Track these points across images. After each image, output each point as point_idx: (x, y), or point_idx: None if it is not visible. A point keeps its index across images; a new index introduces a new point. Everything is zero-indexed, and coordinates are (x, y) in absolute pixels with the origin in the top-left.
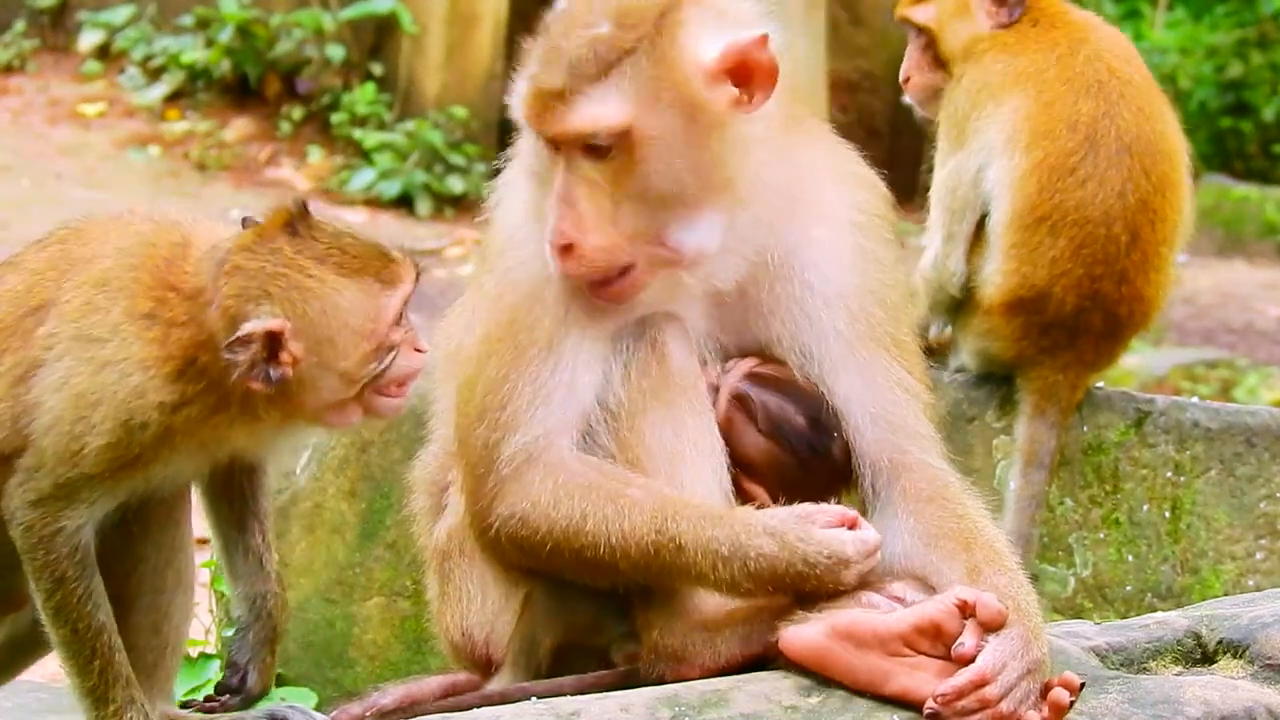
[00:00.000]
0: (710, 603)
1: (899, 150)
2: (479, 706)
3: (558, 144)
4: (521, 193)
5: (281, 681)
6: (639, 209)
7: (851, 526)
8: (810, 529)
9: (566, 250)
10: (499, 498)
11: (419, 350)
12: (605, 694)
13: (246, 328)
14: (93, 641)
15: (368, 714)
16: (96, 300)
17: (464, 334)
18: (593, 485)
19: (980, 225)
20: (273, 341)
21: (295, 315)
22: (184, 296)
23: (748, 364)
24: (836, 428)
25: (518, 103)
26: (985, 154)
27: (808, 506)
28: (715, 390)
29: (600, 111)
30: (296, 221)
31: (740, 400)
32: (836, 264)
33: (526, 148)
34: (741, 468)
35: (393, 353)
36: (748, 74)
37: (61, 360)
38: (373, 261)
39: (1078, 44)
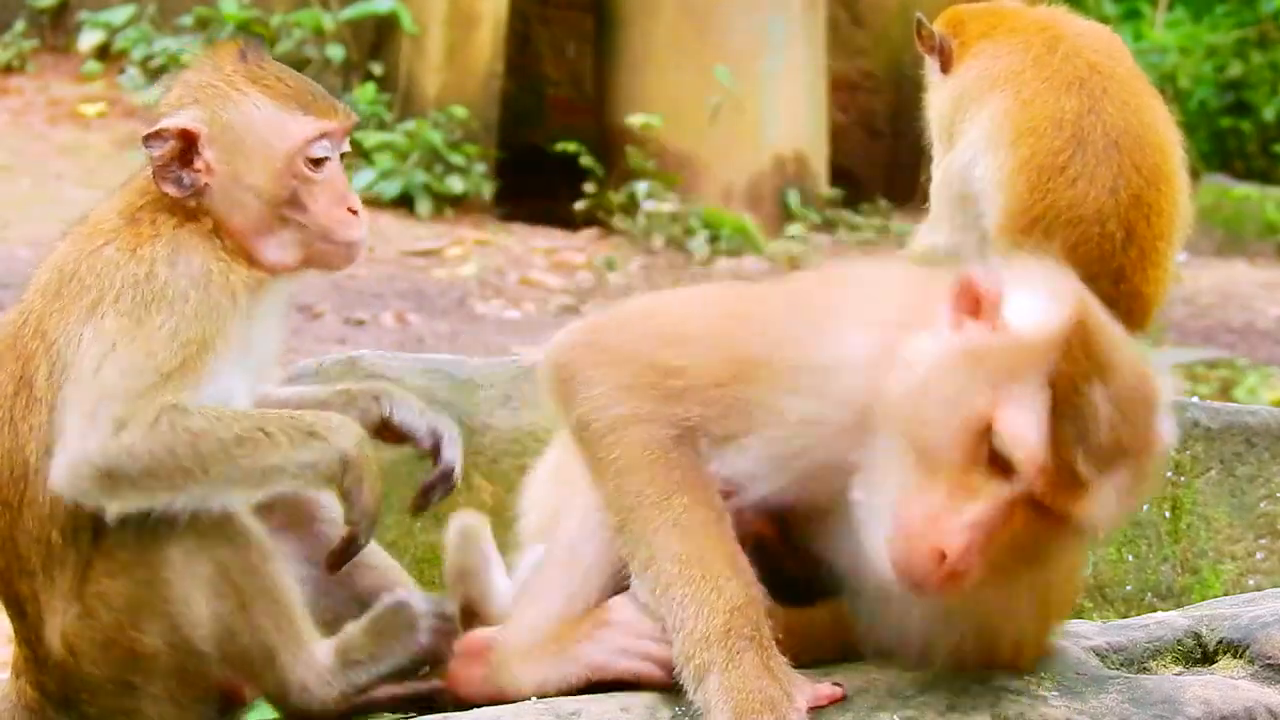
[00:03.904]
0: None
1: (899, 150)
2: (479, 706)
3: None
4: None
5: None
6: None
7: None
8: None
9: (937, 560)
10: None
11: (353, 211)
12: (605, 694)
13: (163, 123)
14: None
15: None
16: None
17: None
18: None
19: None
20: (188, 143)
21: (213, 122)
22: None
23: None
24: None
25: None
26: (971, 151)
27: None
28: None
29: (1103, 505)
30: (248, 50)
31: None
32: None
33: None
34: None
35: (310, 186)
36: None
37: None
38: (304, 93)
39: (1053, 41)
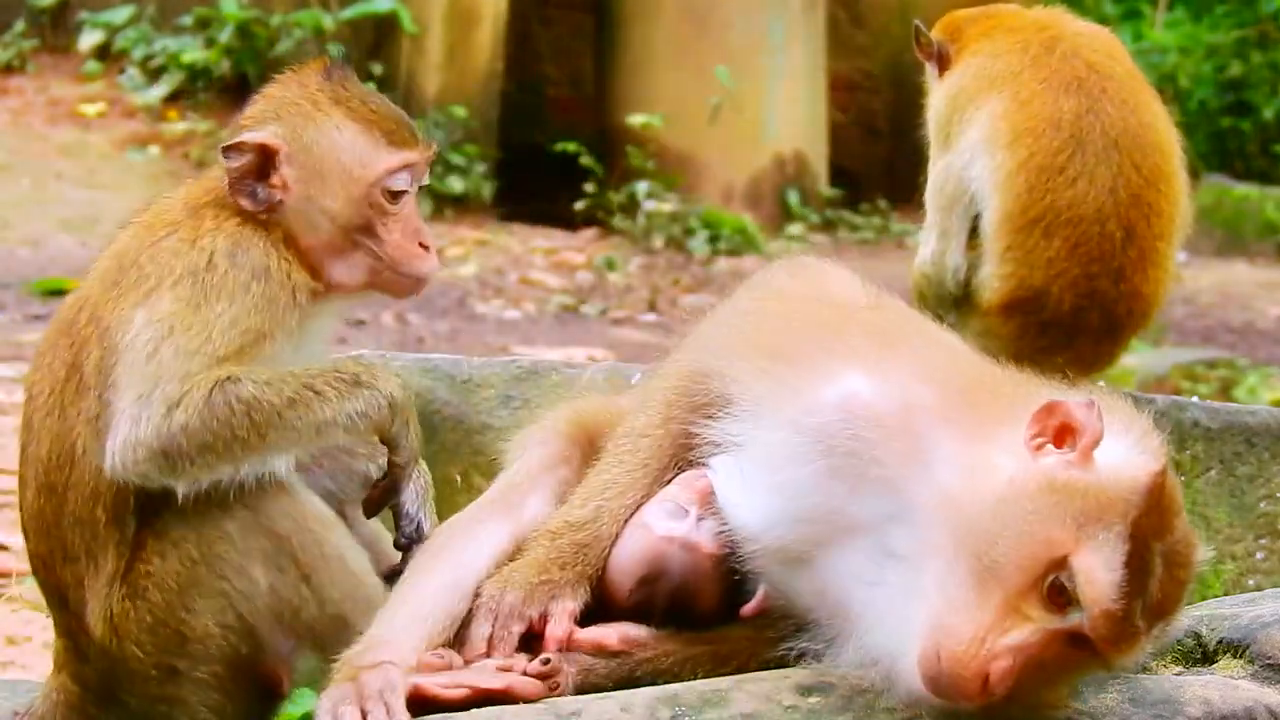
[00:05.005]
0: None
1: (899, 150)
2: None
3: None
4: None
5: None
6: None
7: None
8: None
9: (979, 682)
10: None
11: (425, 246)
12: (605, 694)
13: (243, 136)
14: None
15: None
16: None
17: None
18: None
19: (974, 227)
20: (266, 158)
21: (293, 139)
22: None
23: None
24: None
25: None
26: (969, 153)
27: None
28: None
29: (1140, 652)
30: (334, 69)
31: None
32: None
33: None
34: None
35: (385, 217)
36: None
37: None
38: (387, 121)
39: (1051, 42)
